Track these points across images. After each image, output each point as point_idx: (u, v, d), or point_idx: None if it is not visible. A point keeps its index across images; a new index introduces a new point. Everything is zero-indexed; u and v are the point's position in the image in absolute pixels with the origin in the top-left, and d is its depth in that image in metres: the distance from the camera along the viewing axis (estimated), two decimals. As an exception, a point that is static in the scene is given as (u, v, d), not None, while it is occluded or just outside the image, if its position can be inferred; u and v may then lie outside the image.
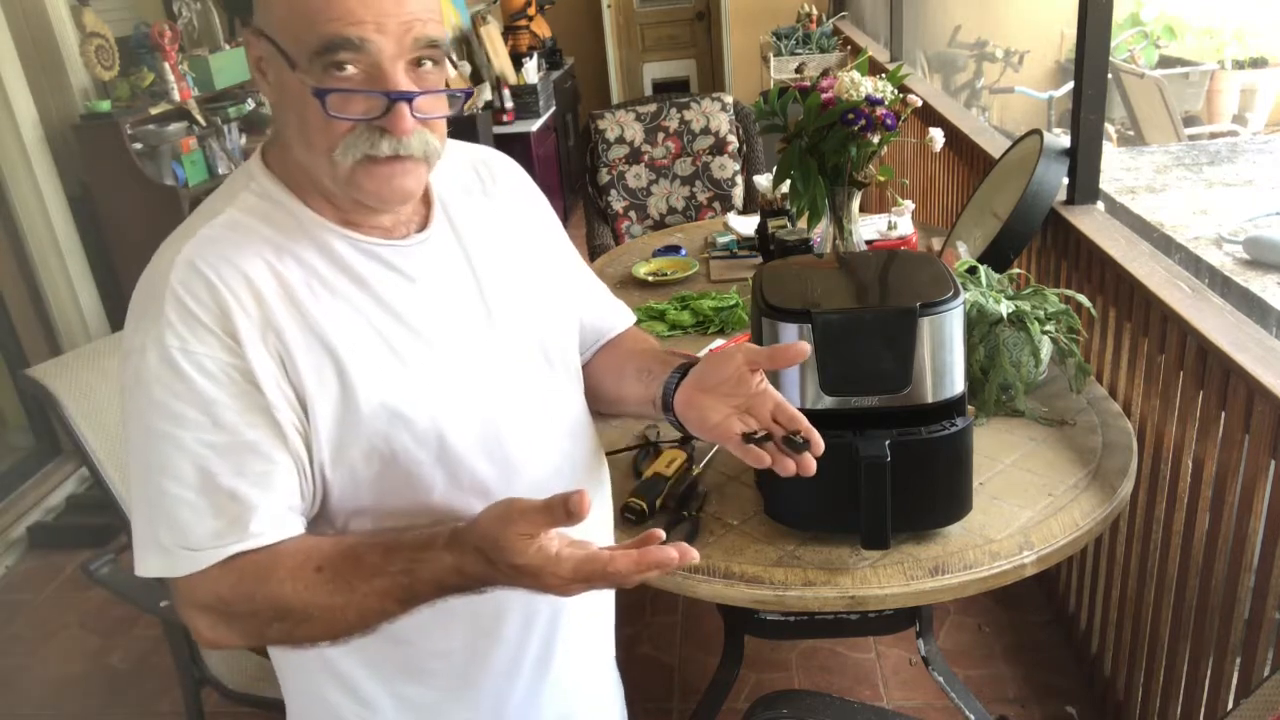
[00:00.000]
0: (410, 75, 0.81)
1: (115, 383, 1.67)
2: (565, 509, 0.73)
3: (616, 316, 1.16)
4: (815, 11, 5.39)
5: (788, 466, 0.88)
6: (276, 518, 0.83)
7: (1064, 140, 1.96)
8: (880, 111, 1.77)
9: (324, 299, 0.85)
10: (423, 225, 0.93)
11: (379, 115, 0.80)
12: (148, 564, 0.83)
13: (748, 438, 0.89)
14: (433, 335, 0.90)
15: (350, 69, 0.79)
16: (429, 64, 0.82)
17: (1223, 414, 1.44)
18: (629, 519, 1.37)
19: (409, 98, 0.80)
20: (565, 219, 5.56)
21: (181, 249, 0.83)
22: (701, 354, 1.91)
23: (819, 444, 0.88)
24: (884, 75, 1.87)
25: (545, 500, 0.74)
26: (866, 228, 2.19)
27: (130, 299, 0.86)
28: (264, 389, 0.82)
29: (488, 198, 1.00)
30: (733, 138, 3.39)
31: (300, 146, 0.84)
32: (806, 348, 0.89)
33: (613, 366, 1.11)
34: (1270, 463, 1.34)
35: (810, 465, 0.88)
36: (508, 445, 0.93)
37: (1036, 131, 2.05)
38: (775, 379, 1.26)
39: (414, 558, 0.79)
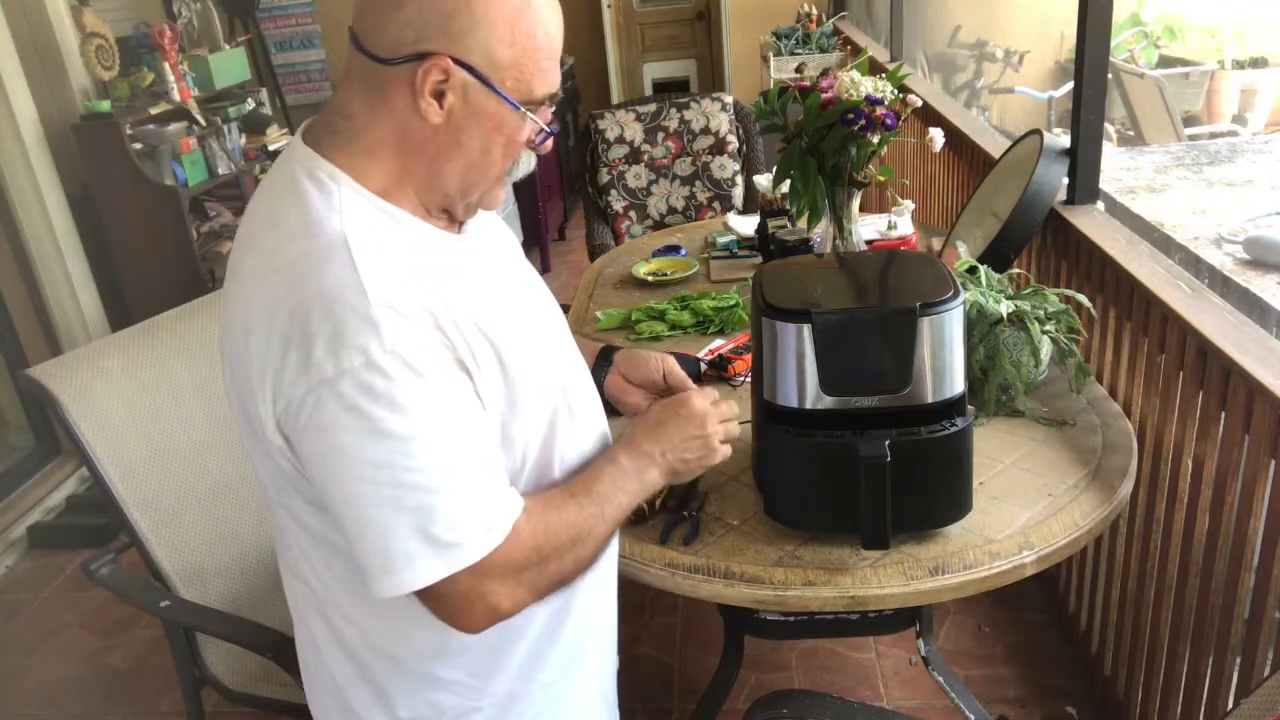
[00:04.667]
0: None
1: (115, 383, 1.67)
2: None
3: None
4: (815, 11, 5.39)
5: None
6: None
7: (1064, 140, 1.96)
8: (880, 111, 1.77)
9: (460, 291, 0.91)
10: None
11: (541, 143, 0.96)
12: (418, 571, 0.85)
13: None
14: (524, 310, 1.02)
15: (549, 110, 0.94)
16: None
17: (1223, 414, 1.44)
18: (629, 519, 1.36)
19: (555, 132, 0.97)
20: (565, 219, 5.56)
21: (357, 265, 0.83)
22: (701, 353, 1.91)
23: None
24: (884, 75, 1.87)
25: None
26: (866, 228, 2.19)
27: (274, 329, 0.83)
28: (471, 373, 0.89)
29: None
30: (733, 138, 3.39)
31: (464, 167, 0.92)
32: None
33: None
34: (1270, 463, 1.34)
35: None
36: (585, 398, 1.08)
37: (1036, 131, 2.05)
38: (774, 380, 1.26)
39: (618, 480, 1.01)
